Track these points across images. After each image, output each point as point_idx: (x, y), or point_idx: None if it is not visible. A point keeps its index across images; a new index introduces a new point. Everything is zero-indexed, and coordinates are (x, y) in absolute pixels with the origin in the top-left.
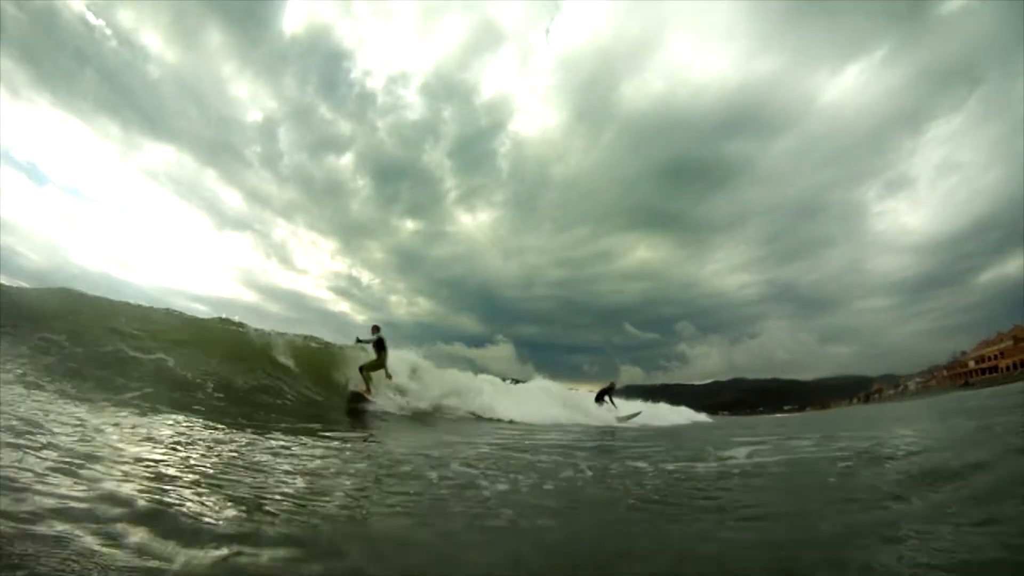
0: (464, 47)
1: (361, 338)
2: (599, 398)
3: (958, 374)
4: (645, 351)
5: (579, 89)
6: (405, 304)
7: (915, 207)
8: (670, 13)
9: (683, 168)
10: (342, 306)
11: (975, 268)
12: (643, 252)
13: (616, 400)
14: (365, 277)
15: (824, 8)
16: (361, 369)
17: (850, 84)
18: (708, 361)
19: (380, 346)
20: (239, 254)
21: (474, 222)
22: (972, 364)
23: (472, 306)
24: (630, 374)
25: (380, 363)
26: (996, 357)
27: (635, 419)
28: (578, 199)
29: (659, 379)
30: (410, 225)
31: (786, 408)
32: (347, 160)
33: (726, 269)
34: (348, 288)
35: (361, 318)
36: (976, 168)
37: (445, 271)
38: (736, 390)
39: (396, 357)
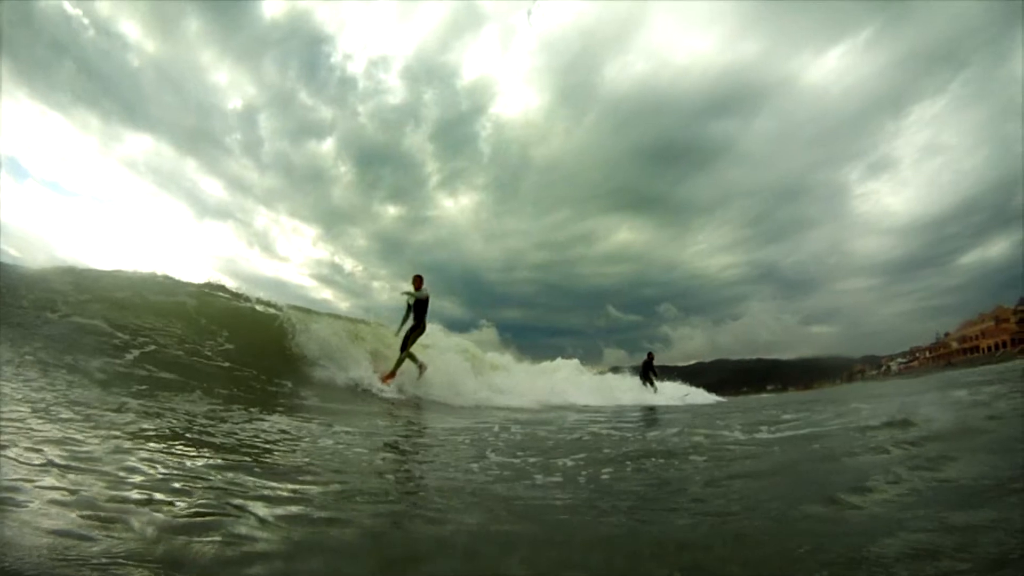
0: (445, 29)
1: (406, 291)
2: (645, 375)
3: (941, 355)
4: (628, 333)
5: (561, 71)
6: (388, 290)
7: (898, 189)
8: None
9: (665, 150)
10: (325, 293)
11: (958, 250)
12: (625, 234)
13: (648, 379)
14: (348, 264)
15: None
16: (404, 347)
17: (834, 66)
18: (691, 342)
19: (423, 307)
20: (221, 243)
21: (456, 206)
22: (955, 345)
23: (455, 290)
24: (614, 356)
25: (422, 329)
26: (977, 337)
27: (686, 398)
28: (560, 181)
29: (643, 360)
30: (392, 210)
31: (769, 388)
32: (328, 146)
33: (708, 250)
34: (331, 275)
35: (344, 304)
36: (959, 151)
37: (428, 256)
38: (719, 371)
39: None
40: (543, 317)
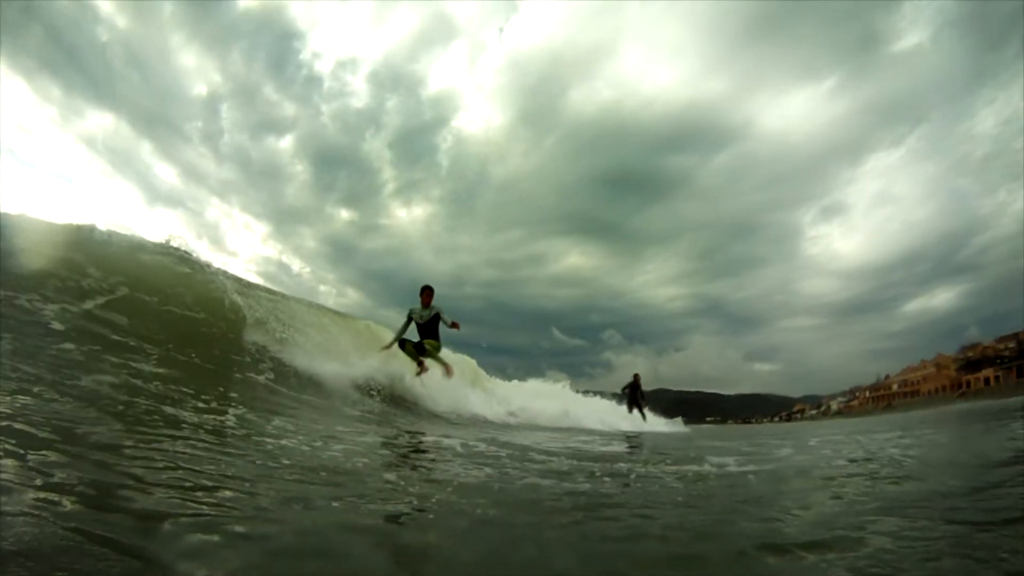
0: (416, 38)
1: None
2: (633, 400)
3: (881, 396)
4: (571, 357)
5: (527, 91)
6: (334, 295)
7: (848, 234)
8: (626, 24)
9: (623, 178)
10: None
11: (902, 296)
12: (576, 258)
13: (637, 404)
14: (296, 264)
15: (778, 33)
16: (420, 351)
17: (796, 111)
18: (633, 370)
19: (434, 325)
20: (168, 231)
21: (409, 216)
22: (895, 387)
23: (400, 301)
24: (555, 379)
25: (438, 345)
26: (919, 382)
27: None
28: (515, 201)
29: (584, 385)
30: (345, 215)
31: (708, 420)
32: (287, 143)
33: (657, 280)
34: (278, 274)
35: None
36: (910, 201)
37: (376, 264)
38: (660, 399)
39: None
40: (487, 335)
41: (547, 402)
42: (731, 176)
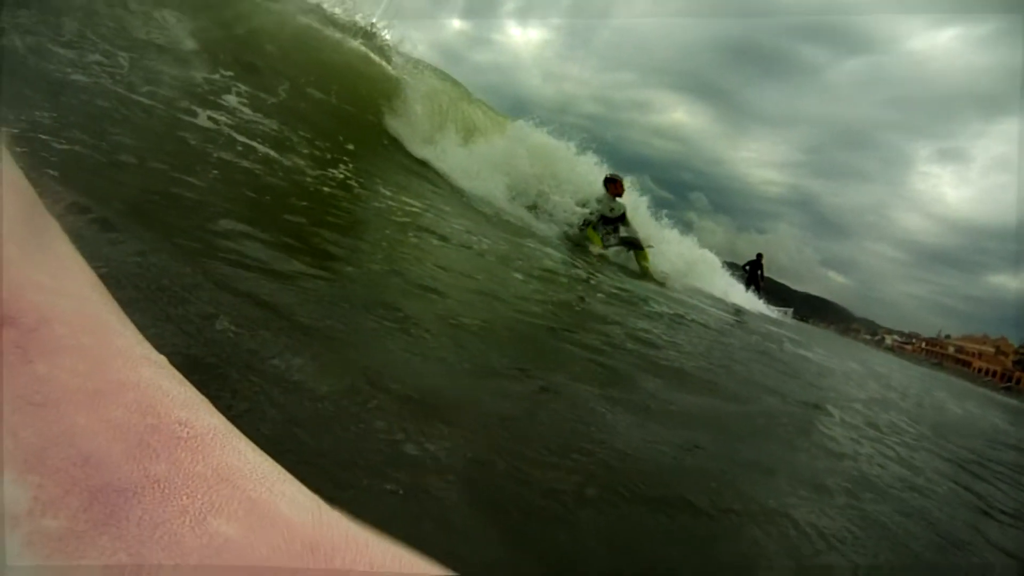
0: None
1: (589, 217)
2: (752, 280)
3: (936, 353)
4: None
5: None
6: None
7: (960, 184)
8: None
9: (748, 51)
10: None
11: (989, 266)
12: (681, 115)
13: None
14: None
15: None
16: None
17: (943, 44)
18: (711, 237)
19: (620, 223)
20: None
21: (523, 37)
22: (952, 350)
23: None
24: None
25: (643, 253)
26: (974, 355)
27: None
28: (632, 46)
29: (749, 261)
30: (457, 24)
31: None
32: None
33: (757, 160)
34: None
35: None
36: None
37: (480, 76)
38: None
39: None
40: None
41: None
42: (859, 83)
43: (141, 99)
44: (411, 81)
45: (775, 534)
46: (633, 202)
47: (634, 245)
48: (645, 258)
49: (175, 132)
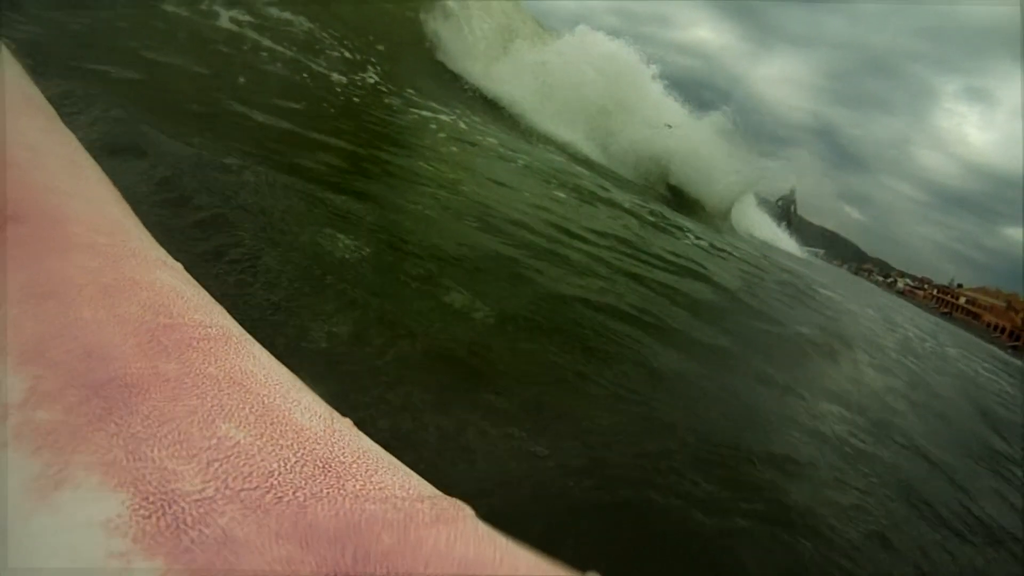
0: None
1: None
2: (784, 217)
3: (946, 302)
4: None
5: None
6: None
7: (986, 126)
8: None
9: None
10: None
11: (1009, 217)
12: (704, 32)
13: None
14: None
15: None
16: None
17: None
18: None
19: None
20: None
21: None
22: (962, 300)
23: None
24: None
25: None
26: (984, 309)
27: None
28: None
29: (785, 196)
30: None
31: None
32: None
33: (779, 80)
34: None
35: None
36: None
37: None
38: None
39: None
40: None
41: None
42: (887, 8)
43: None
44: None
45: None
46: None
47: None
48: None
49: None
